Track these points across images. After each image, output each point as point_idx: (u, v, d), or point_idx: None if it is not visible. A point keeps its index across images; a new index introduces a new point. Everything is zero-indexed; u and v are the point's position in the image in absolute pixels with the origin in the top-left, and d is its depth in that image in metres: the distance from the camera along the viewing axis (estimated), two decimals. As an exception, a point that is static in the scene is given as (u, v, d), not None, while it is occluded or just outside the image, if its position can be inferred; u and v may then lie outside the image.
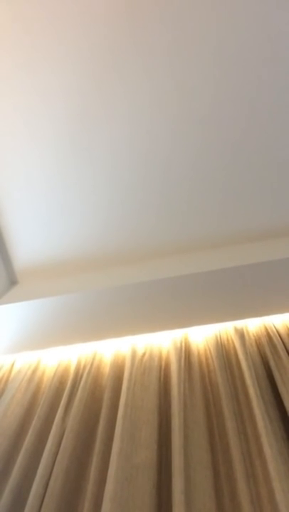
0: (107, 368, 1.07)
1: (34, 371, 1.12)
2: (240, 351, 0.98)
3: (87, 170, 1.15)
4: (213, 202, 1.16)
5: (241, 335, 1.03)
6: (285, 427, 0.80)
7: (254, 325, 1.08)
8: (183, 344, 1.06)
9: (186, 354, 1.03)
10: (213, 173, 1.12)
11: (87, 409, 0.94)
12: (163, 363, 1.04)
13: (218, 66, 0.98)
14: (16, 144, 1.13)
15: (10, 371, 1.16)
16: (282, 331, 1.03)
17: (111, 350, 1.12)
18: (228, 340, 1.06)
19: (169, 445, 0.81)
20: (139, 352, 1.07)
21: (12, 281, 1.35)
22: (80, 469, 0.83)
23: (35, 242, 1.28)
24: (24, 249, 1.29)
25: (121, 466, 0.76)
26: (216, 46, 0.96)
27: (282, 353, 0.95)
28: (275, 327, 1.05)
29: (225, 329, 1.09)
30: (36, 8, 0.94)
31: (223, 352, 1.01)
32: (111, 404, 0.94)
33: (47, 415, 0.96)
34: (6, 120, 1.09)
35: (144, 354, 1.06)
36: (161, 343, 1.11)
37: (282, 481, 0.68)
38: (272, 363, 0.92)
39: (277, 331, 1.03)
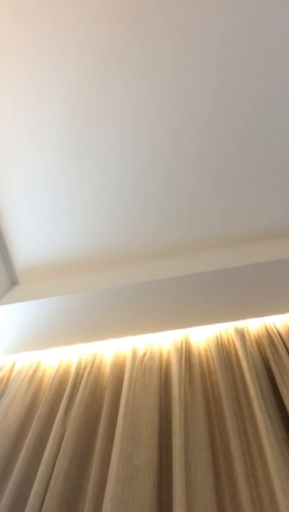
0: (107, 368, 1.07)
1: (35, 371, 1.12)
2: (240, 352, 0.98)
3: (89, 170, 1.15)
4: (214, 202, 1.17)
5: (242, 335, 1.03)
6: (286, 427, 0.80)
7: (255, 325, 1.08)
8: (183, 344, 1.06)
9: (186, 354, 1.03)
10: (214, 174, 1.12)
11: (88, 409, 0.94)
12: (163, 364, 1.04)
13: (221, 66, 0.99)
14: (16, 143, 1.13)
15: (11, 371, 1.16)
16: (282, 331, 1.03)
17: (112, 351, 1.12)
18: (228, 340, 1.06)
19: (170, 445, 0.81)
20: (140, 352, 1.07)
21: (13, 282, 1.35)
22: (81, 469, 0.83)
23: (36, 242, 1.28)
24: (25, 250, 1.30)
25: (121, 466, 0.76)
26: (219, 45, 0.96)
27: (283, 353, 0.94)
28: (275, 327, 1.05)
29: (226, 329, 1.09)
30: (37, 6, 0.95)
31: (224, 352, 1.01)
32: (112, 405, 0.94)
33: (48, 415, 0.96)
34: (7, 119, 1.10)
35: (144, 354, 1.06)
36: (162, 343, 1.11)
37: (283, 482, 0.68)
38: (272, 364, 0.92)
39: (278, 332, 1.03)
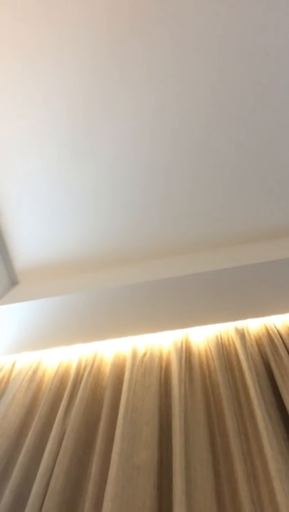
0: (107, 368, 1.07)
1: (35, 371, 1.12)
2: (241, 352, 0.98)
3: (89, 170, 1.15)
4: (214, 203, 1.17)
5: (242, 335, 1.03)
6: (286, 427, 0.80)
7: (255, 325, 1.08)
8: (184, 344, 1.06)
9: (186, 354, 1.03)
10: (214, 174, 1.12)
11: (88, 409, 0.94)
12: (164, 364, 1.04)
13: (221, 66, 0.98)
14: (17, 143, 1.13)
15: (11, 371, 1.16)
16: (283, 331, 1.03)
17: (112, 351, 1.12)
18: (228, 340, 1.06)
19: (170, 445, 0.81)
20: (140, 352, 1.07)
21: (13, 282, 1.35)
22: (81, 469, 0.83)
23: (36, 242, 1.28)
24: (25, 250, 1.30)
25: (122, 466, 0.76)
26: (219, 46, 0.96)
27: (283, 353, 0.94)
28: (275, 327, 1.05)
29: (226, 329, 1.09)
30: (36, 5, 0.94)
31: (224, 352, 1.01)
32: (112, 405, 0.94)
33: (48, 415, 0.96)
34: (7, 119, 1.09)
35: (144, 354, 1.06)
36: (162, 343, 1.11)
37: (283, 482, 0.68)
38: (273, 364, 0.92)
39: (278, 331, 1.03)
